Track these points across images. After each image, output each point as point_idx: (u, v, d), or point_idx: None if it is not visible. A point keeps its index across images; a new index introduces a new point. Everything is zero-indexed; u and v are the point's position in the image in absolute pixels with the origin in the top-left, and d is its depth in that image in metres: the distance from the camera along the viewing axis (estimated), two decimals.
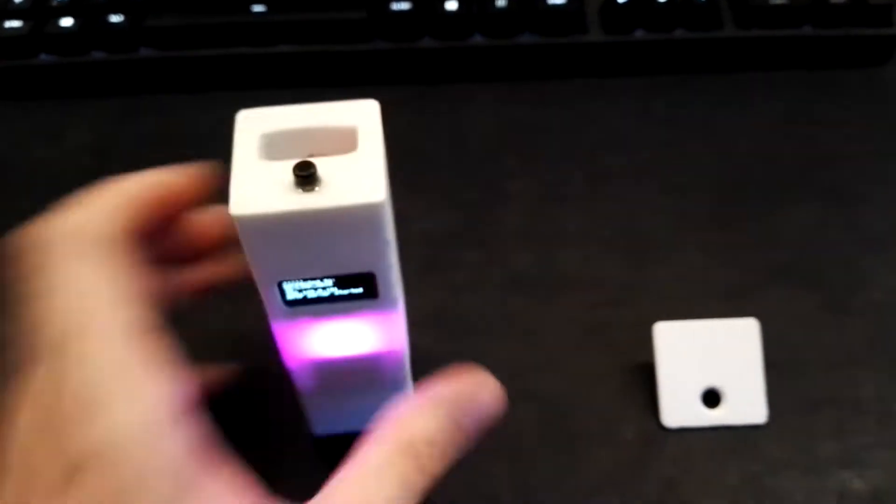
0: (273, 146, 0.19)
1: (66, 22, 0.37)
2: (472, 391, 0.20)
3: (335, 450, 0.26)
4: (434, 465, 0.18)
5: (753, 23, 0.37)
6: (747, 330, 0.27)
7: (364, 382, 0.24)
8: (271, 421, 0.27)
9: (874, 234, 0.32)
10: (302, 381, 0.24)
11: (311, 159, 0.18)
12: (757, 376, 0.27)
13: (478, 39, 0.37)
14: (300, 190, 0.18)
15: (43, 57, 0.38)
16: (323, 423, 0.26)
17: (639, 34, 0.37)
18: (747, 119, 0.37)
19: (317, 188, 0.18)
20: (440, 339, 0.29)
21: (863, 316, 0.30)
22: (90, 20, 0.37)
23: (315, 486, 0.26)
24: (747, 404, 0.27)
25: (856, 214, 0.33)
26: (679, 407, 0.27)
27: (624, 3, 0.37)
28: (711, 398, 0.27)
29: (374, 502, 0.17)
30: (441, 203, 0.34)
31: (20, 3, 0.38)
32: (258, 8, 0.37)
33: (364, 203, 0.18)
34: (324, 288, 0.20)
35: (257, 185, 0.18)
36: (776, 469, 0.26)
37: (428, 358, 0.29)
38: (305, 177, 0.18)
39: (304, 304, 0.20)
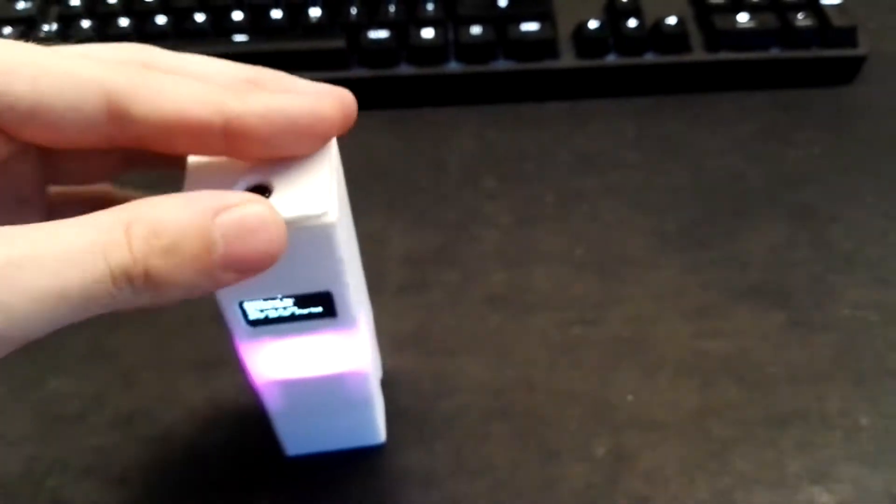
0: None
1: None
2: (252, 214, 0.16)
3: (309, 471, 0.27)
4: (149, 251, 0.15)
5: (722, 46, 0.38)
6: None
7: (331, 402, 0.25)
8: (244, 442, 0.28)
9: (841, 251, 0.33)
10: (270, 400, 0.24)
11: (262, 178, 0.18)
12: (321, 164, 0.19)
13: (454, 66, 0.38)
14: None
15: None
16: (295, 443, 0.27)
17: (610, 59, 0.38)
18: (717, 139, 0.38)
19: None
20: (418, 357, 0.30)
21: (829, 332, 0.30)
22: None
23: None
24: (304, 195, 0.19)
25: (823, 232, 0.34)
26: None
27: (595, 29, 0.38)
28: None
29: (52, 245, 0.14)
30: (419, 224, 0.35)
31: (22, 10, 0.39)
32: (240, 38, 0.39)
33: (315, 223, 0.18)
34: (284, 307, 0.21)
35: None
36: (746, 484, 0.27)
37: (405, 377, 0.29)
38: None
39: (266, 324, 0.21)
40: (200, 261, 0.16)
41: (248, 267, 0.16)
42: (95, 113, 0.16)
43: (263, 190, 0.18)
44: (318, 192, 0.18)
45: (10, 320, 0.14)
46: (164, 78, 0.17)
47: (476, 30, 0.38)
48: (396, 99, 0.39)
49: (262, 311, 0.21)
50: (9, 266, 0.14)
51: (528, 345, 0.30)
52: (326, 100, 0.18)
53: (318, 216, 0.18)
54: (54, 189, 0.22)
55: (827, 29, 0.38)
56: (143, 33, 0.39)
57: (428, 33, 0.38)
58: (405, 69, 0.38)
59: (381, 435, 0.27)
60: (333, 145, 0.20)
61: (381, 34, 0.38)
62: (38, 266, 0.14)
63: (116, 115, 0.16)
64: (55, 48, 0.17)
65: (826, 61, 0.38)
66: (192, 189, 0.18)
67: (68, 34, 0.39)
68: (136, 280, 0.15)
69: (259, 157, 0.18)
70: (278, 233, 0.17)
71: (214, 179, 0.18)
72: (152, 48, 0.19)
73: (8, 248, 0.14)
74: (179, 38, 0.39)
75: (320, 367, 0.23)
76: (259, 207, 0.16)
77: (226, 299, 0.20)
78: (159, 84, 0.17)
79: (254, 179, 0.18)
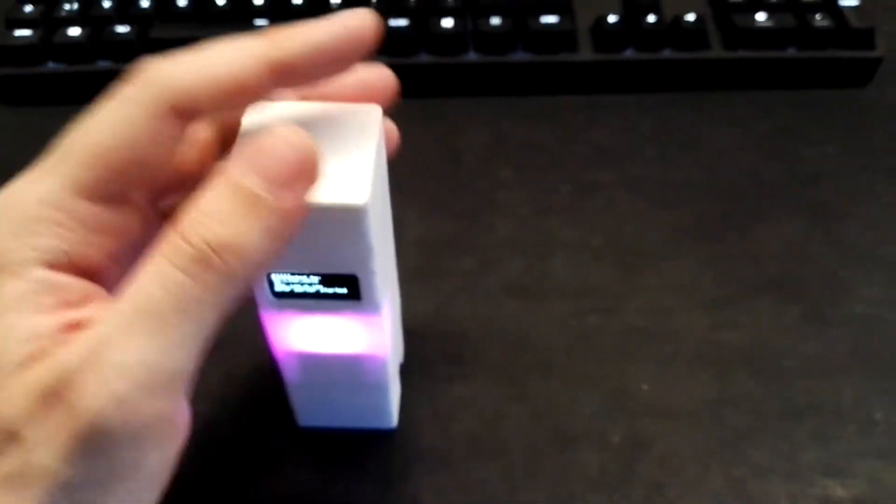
0: None
1: (74, 31, 0.38)
2: (261, 140, 0.17)
3: (318, 441, 0.27)
4: (214, 237, 0.16)
5: (740, 44, 0.38)
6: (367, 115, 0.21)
7: (346, 381, 0.25)
8: (258, 410, 0.28)
9: (854, 248, 0.33)
10: (288, 370, 0.25)
11: None
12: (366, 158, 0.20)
13: (472, 56, 0.39)
14: None
15: (51, 65, 0.39)
16: (307, 414, 0.27)
17: (628, 53, 0.39)
18: (733, 136, 0.38)
19: None
20: (434, 343, 0.30)
21: (843, 327, 0.30)
22: (97, 30, 0.39)
23: (297, 475, 0.26)
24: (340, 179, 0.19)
25: (837, 230, 0.34)
26: None
27: (614, 23, 0.38)
28: None
29: (139, 300, 0.16)
30: (435, 212, 0.35)
31: (30, 13, 0.39)
32: (261, 22, 0.39)
33: (346, 204, 0.18)
34: (310, 284, 0.21)
35: None
36: (760, 474, 0.27)
37: (421, 359, 0.29)
38: None
39: (290, 298, 0.21)
40: (257, 212, 0.17)
41: (297, 177, 0.17)
42: (255, 71, 0.18)
43: None
44: (354, 178, 0.19)
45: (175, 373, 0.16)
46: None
47: (495, 20, 0.38)
48: (414, 88, 0.39)
49: (287, 284, 0.21)
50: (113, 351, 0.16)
51: (544, 332, 0.30)
52: (352, 17, 0.19)
53: (350, 200, 0.18)
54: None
55: (844, 30, 0.38)
56: (165, 14, 0.39)
57: (447, 23, 0.38)
58: (424, 58, 0.38)
59: (392, 420, 0.27)
60: (378, 134, 0.20)
61: (400, 22, 0.38)
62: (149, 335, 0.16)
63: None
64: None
65: (843, 62, 0.39)
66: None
67: (89, 14, 0.39)
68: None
69: (304, 86, 0.20)
70: (288, 132, 0.17)
71: None
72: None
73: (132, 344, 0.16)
74: (200, 20, 0.39)
75: (339, 346, 0.23)
76: (266, 136, 0.17)
77: None
78: (291, 31, 0.18)
79: None
